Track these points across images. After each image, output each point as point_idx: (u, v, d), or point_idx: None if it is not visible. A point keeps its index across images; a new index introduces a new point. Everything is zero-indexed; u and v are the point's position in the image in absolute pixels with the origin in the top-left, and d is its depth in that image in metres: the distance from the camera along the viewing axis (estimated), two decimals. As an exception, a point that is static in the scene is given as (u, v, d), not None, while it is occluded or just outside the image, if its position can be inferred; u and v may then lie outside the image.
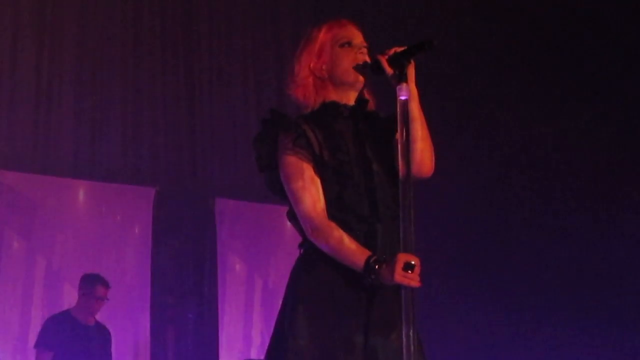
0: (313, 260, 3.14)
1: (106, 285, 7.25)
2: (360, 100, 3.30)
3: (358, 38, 3.29)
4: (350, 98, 3.29)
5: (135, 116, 8.49)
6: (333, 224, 3.08)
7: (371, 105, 3.33)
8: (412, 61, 3.14)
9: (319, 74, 3.26)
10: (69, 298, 7.50)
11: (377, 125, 3.28)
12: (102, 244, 8.08)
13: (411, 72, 3.14)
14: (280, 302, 3.22)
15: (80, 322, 7.19)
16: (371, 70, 3.21)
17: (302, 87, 3.27)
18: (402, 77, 3.10)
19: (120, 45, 8.48)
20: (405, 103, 3.08)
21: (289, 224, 3.28)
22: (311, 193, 3.11)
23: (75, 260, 7.81)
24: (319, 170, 3.14)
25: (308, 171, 3.13)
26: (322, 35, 3.29)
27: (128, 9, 8.58)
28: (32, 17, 8.14)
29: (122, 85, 8.44)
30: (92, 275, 7.29)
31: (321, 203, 3.11)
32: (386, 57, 3.14)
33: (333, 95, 3.27)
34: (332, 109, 3.25)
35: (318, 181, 3.13)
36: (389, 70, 3.14)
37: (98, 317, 7.33)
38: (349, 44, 3.26)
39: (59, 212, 8.01)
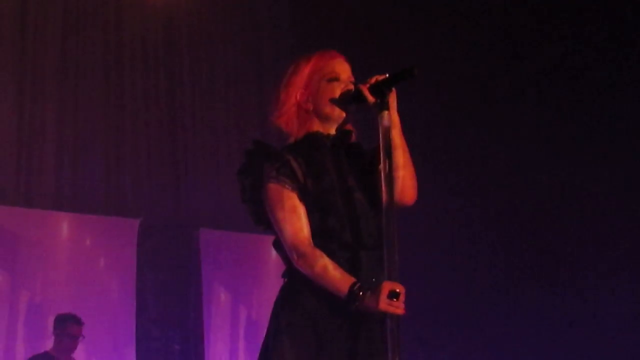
0: (296, 290, 3.13)
1: (79, 323, 7.20)
2: (344, 131, 3.30)
3: (346, 72, 3.28)
4: (334, 130, 3.29)
5: (118, 148, 8.48)
6: (318, 251, 3.07)
7: (354, 138, 3.32)
8: (394, 89, 3.14)
9: (305, 106, 3.25)
10: (53, 331, 7.46)
11: (360, 156, 3.28)
12: (85, 276, 8.03)
13: (392, 100, 3.14)
14: (264, 332, 3.20)
15: None
16: (353, 99, 3.20)
17: (286, 116, 3.26)
18: (383, 106, 3.10)
19: (102, 77, 8.48)
20: (387, 131, 3.09)
21: (273, 253, 3.27)
22: (295, 221, 3.10)
23: (58, 293, 7.76)
24: (303, 198, 3.14)
25: (292, 199, 3.12)
26: (311, 66, 3.27)
27: (110, 40, 8.59)
28: (13, 50, 8.13)
29: (104, 117, 8.43)
30: (64, 315, 7.26)
31: (306, 230, 3.11)
32: (367, 85, 3.14)
33: (318, 127, 3.26)
34: (316, 139, 3.24)
35: (302, 209, 3.13)
36: (370, 99, 3.13)
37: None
38: (337, 79, 3.25)
39: (42, 245, 7.96)
